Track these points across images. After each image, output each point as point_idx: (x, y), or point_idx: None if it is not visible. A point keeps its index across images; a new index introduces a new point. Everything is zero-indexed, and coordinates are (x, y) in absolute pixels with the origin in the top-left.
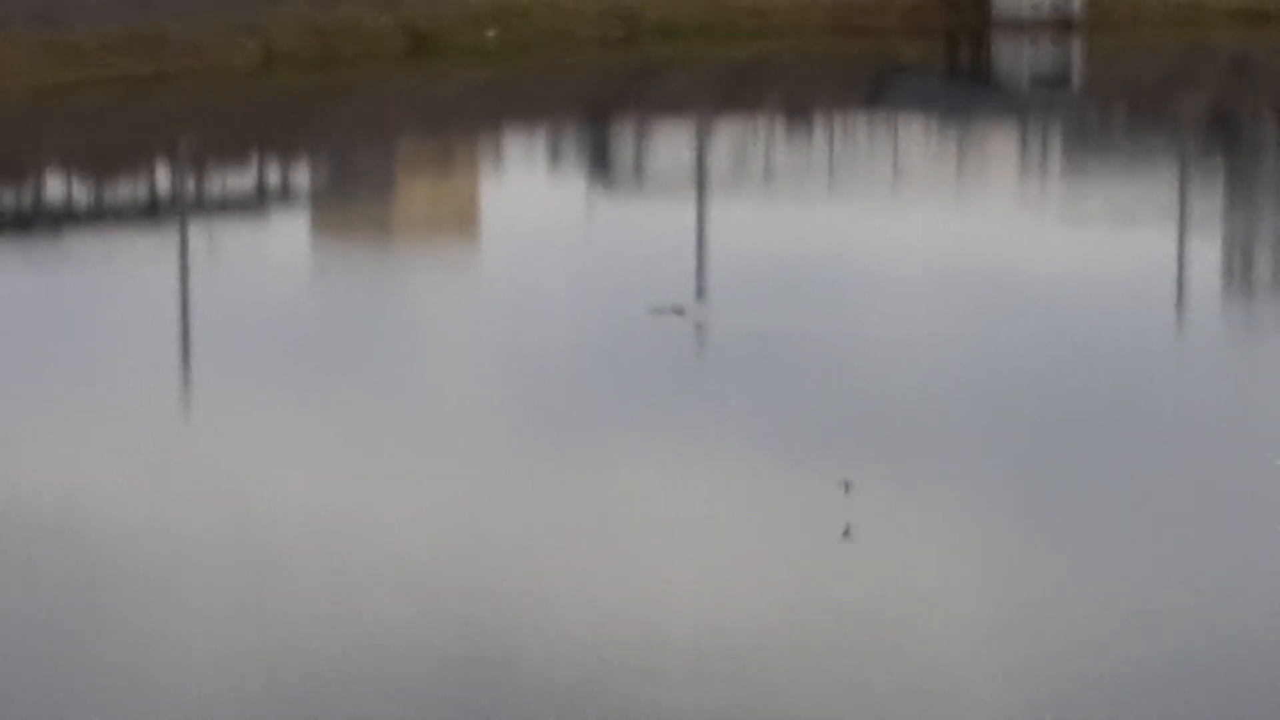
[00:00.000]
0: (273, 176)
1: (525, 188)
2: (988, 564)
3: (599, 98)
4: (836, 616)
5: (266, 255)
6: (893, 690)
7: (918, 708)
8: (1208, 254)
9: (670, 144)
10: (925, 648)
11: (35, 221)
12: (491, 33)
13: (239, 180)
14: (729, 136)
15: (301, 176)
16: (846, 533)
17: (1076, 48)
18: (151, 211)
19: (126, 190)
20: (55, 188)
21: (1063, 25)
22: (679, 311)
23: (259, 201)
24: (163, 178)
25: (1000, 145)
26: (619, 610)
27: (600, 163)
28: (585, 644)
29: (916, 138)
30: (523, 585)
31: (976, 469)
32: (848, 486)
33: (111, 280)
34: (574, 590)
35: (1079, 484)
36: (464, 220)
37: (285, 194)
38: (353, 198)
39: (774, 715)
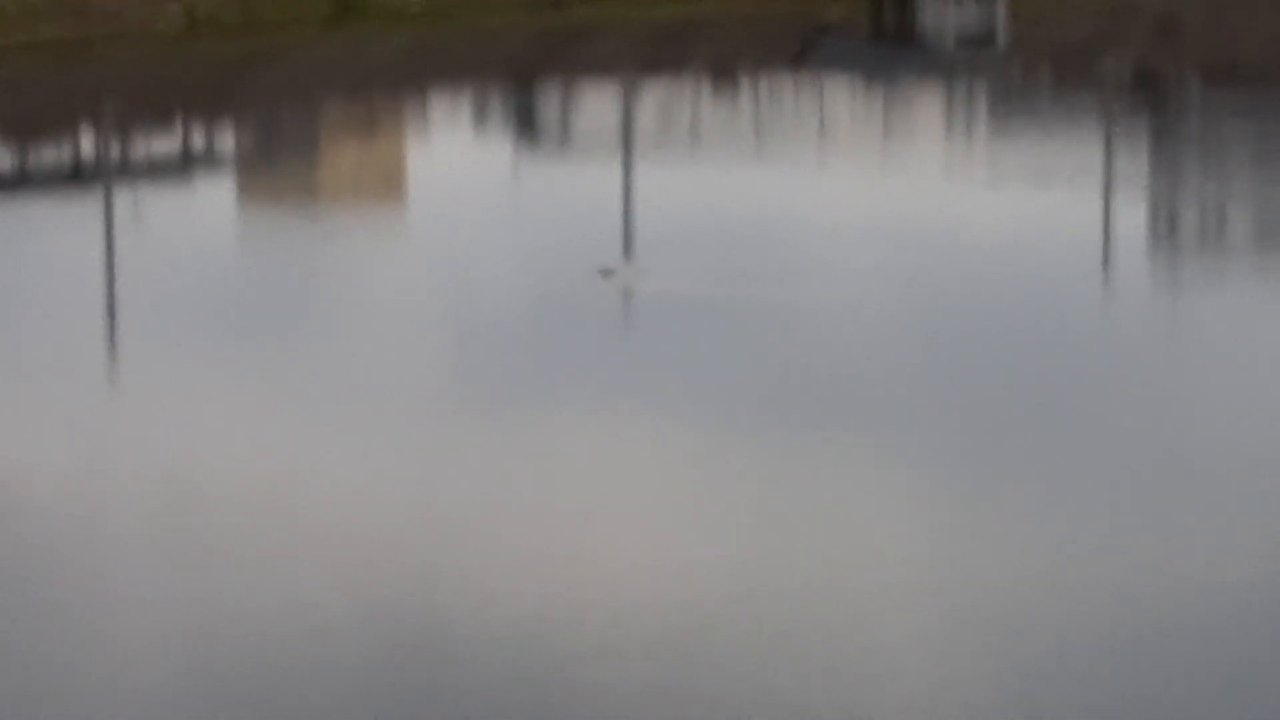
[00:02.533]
0: (197, 142)
1: (451, 151)
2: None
3: (525, 61)
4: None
5: (192, 221)
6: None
7: None
8: (1133, 214)
9: (596, 106)
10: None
11: None
12: None
13: (163, 146)
14: (655, 98)
15: (226, 141)
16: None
17: (1002, 8)
18: (75, 178)
19: (50, 156)
20: None
21: None
22: (607, 273)
23: (184, 167)
24: (86, 144)
25: (925, 106)
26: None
27: (526, 125)
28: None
29: (841, 99)
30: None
31: (917, 437)
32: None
33: (35, 248)
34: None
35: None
36: (390, 184)
37: (210, 159)
38: (278, 162)
39: None
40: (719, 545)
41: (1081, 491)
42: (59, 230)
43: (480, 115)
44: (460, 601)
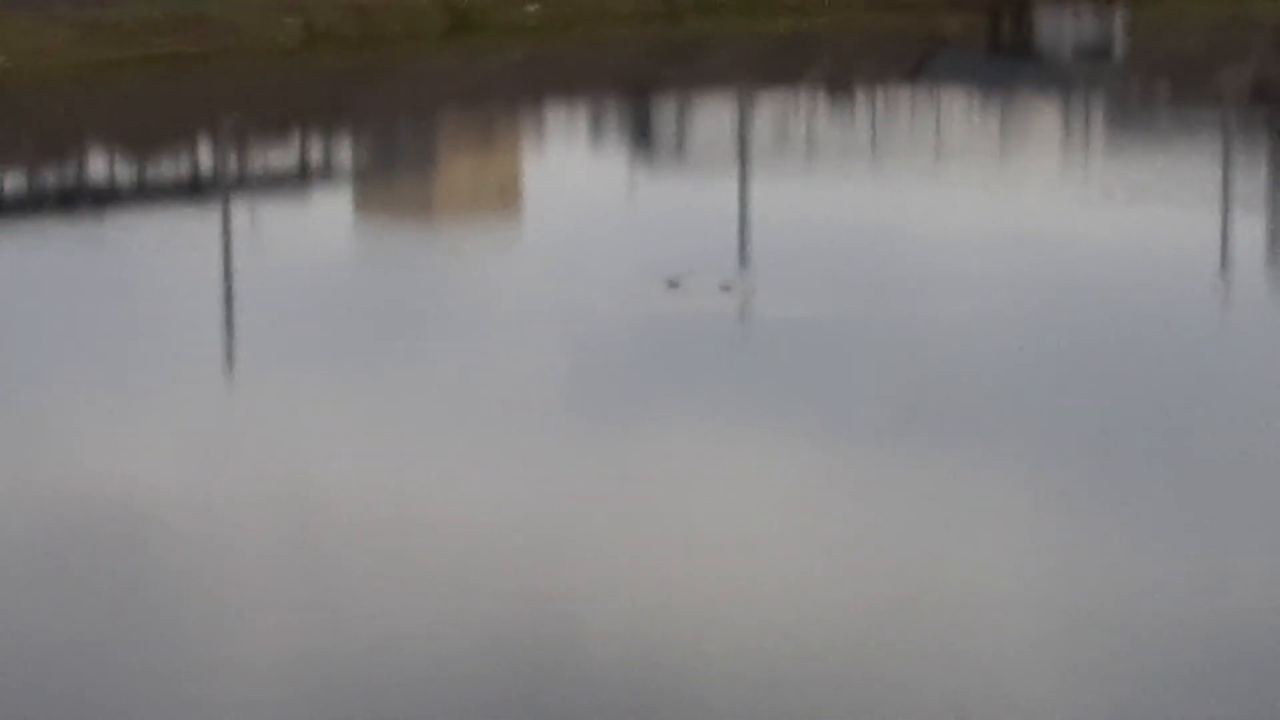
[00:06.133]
0: (315, 154)
1: (567, 164)
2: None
3: (640, 73)
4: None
5: (310, 233)
6: None
7: None
8: (1253, 229)
9: (712, 119)
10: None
11: (78, 201)
12: (532, 8)
13: (281, 158)
14: (771, 111)
15: (344, 154)
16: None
17: (1119, 19)
18: (194, 190)
19: (169, 169)
20: (98, 167)
21: None
22: (725, 287)
23: (302, 179)
24: (205, 156)
25: (1043, 119)
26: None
27: (642, 138)
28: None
29: (959, 111)
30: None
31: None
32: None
33: (155, 259)
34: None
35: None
36: (506, 197)
37: (328, 172)
38: (395, 175)
39: None
40: (861, 565)
41: (1222, 506)
42: (178, 243)
43: (595, 128)
44: (595, 625)
